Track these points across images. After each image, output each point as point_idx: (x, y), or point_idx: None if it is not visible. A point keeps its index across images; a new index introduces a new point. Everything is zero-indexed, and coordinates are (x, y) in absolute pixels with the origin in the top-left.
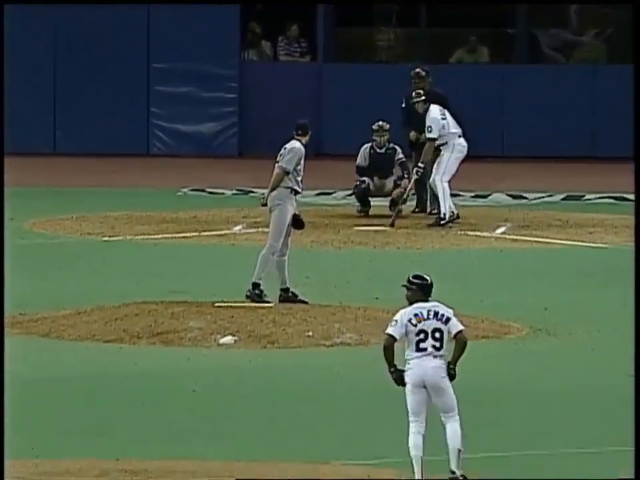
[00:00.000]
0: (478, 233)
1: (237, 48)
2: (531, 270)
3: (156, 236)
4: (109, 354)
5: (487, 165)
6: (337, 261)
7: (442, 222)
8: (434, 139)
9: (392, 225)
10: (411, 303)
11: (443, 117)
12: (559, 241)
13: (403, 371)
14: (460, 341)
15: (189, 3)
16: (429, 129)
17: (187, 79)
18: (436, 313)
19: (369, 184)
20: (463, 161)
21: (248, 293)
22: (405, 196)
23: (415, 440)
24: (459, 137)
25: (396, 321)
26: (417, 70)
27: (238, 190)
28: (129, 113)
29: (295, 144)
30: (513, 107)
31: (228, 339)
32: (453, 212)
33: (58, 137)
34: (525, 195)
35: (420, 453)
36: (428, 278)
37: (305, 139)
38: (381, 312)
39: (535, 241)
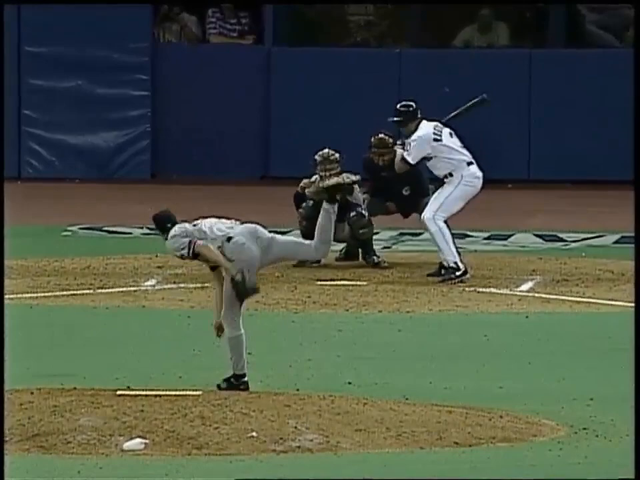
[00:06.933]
0: (494, 290)
1: (148, 24)
2: (571, 344)
3: (32, 294)
4: None
5: (506, 192)
6: (292, 331)
7: (457, 273)
8: (408, 163)
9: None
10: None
11: (438, 135)
12: (611, 302)
13: None
14: None
15: None
16: (409, 145)
17: (74, 68)
18: None
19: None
20: None
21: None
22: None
23: None
24: (469, 164)
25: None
26: (380, 136)
27: (150, 228)
28: None
29: None
30: (544, 110)
31: (135, 443)
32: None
33: None
34: (560, 235)
35: None
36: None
37: None
38: (354, 403)
39: (576, 302)
